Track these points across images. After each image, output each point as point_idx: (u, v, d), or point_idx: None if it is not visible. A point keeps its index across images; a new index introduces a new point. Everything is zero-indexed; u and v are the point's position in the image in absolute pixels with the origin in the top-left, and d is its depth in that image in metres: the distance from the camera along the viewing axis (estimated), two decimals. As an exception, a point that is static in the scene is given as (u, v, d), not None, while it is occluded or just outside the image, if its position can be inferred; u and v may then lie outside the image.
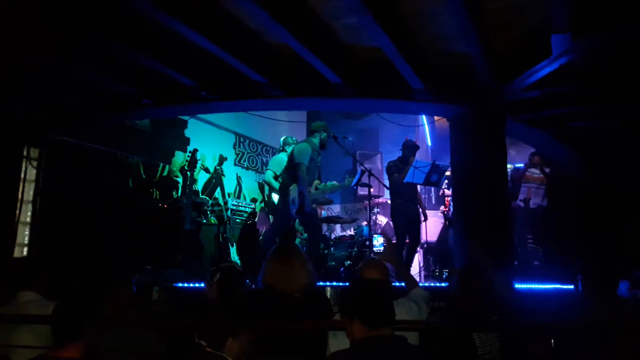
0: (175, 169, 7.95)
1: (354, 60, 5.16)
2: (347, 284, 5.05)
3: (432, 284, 5.62)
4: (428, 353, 2.33)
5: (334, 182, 6.03)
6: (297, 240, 6.66)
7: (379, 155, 9.81)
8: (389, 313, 2.11)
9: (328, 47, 4.80)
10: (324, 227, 7.84)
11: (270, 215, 7.99)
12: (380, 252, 6.36)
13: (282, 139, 7.04)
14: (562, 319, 3.10)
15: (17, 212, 5.56)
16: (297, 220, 6.33)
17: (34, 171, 5.86)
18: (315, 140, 5.79)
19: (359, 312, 2.08)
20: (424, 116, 8.70)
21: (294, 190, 5.56)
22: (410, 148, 6.52)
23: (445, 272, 6.59)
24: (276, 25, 4.17)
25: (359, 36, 4.67)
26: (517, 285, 4.99)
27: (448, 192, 7.72)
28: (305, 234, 6.63)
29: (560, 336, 2.74)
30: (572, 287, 5.13)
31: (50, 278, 3.23)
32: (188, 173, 6.69)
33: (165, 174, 7.85)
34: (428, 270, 7.49)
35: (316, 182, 5.81)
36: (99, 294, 2.51)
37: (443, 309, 3.82)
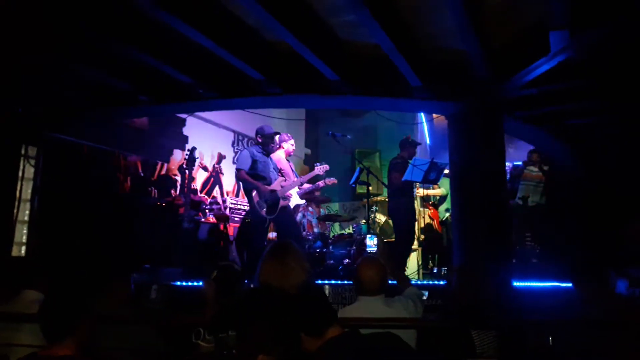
0: (173, 167, 7.94)
1: (351, 57, 5.15)
2: (344, 282, 5.05)
3: (431, 282, 5.62)
4: (385, 337, 2.32)
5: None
6: None
7: (378, 153, 9.82)
8: (327, 314, 2.12)
9: (326, 45, 4.78)
10: (323, 225, 7.84)
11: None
12: (373, 252, 6.36)
13: None
14: (560, 316, 3.10)
15: (15, 210, 5.55)
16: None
17: (32, 169, 5.85)
18: (258, 145, 5.90)
19: (301, 329, 2.10)
20: (422, 114, 8.69)
21: (255, 195, 5.65)
22: (411, 145, 6.53)
23: (444, 269, 6.59)
24: (274, 22, 4.15)
25: (357, 33, 4.66)
26: (515, 284, 5.00)
27: (424, 191, 7.67)
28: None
29: (557, 333, 2.74)
30: (570, 285, 5.13)
31: (53, 277, 3.22)
32: (186, 171, 6.69)
33: (163, 172, 7.85)
34: (426, 268, 7.49)
35: (280, 179, 5.88)
36: (89, 290, 2.50)
37: (441, 307, 3.83)
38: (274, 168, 5.92)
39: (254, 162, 5.74)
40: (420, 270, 6.72)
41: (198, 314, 3.10)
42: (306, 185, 6.44)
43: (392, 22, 4.28)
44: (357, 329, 2.15)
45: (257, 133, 5.92)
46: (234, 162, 9.28)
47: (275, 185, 5.73)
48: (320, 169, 6.18)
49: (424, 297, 4.44)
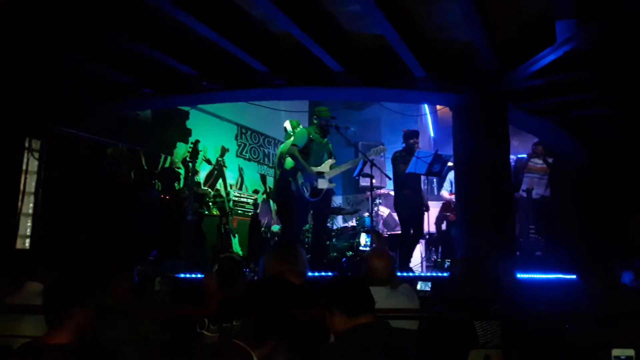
0: (177, 160, 7.94)
1: (356, 48, 5.13)
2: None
3: (434, 274, 5.61)
4: (411, 334, 2.33)
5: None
6: (308, 226, 6.60)
7: (381, 145, 9.77)
8: (367, 301, 2.14)
9: (330, 36, 4.76)
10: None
11: (273, 204, 7.99)
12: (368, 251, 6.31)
13: (285, 125, 6.86)
14: (564, 308, 3.10)
15: (19, 203, 5.56)
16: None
17: (36, 162, 5.86)
18: (315, 125, 5.79)
19: (337, 304, 2.11)
20: (426, 106, 8.66)
21: (300, 176, 5.56)
22: (411, 135, 6.50)
23: (447, 262, 6.58)
24: (278, 13, 4.13)
25: (362, 24, 4.64)
26: (519, 275, 4.99)
27: (447, 195, 7.55)
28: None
29: (561, 325, 2.74)
30: (574, 277, 5.12)
31: (57, 269, 3.22)
32: (190, 164, 6.68)
33: (167, 165, 7.85)
34: (430, 260, 7.48)
35: (330, 161, 5.78)
36: (93, 281, 2.50)
37: (444, 298, 3.82)
38: (327, 152, 5.81)
39: (310, 141, 5.62)
40: (424, 263, 6.72)
41: (202, 306, 3.11)
42: None
43: (396, 12, 4.25)
44: (388, 321, 2.16)
45: (314, 114, 5.82)
46: (237, 155, 9.28)
47: (323, 168, 5.65)
48: (376, 150, 5.95)
49: (428, 289, 4.45)
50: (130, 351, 2.75)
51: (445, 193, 7.41)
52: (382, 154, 6.06)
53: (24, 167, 5.70)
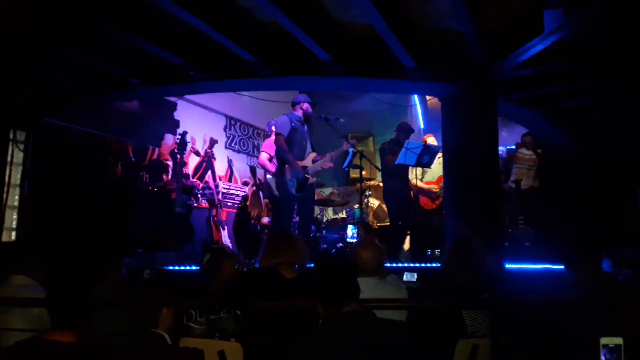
0: (164, 152, 7.87)
1: (345, 38, 5.09)
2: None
3: (422, 264, 5.63)
4: (394, 324, 2.34)
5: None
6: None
7: (371, 137, 9.78)
8: (349, 292, 2.11)
9: (318, 25, 4.72)
10: (315, 210, 7.82)
11: (263, 198, 7.97)
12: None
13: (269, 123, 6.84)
14: (551, 296, 3.12)
15: (5, 195, 5.49)
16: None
17: (21, 154, 5.78)
18: (297, 113, 5.70)
19: (317, 296, 2.10)
20: (416, 96, 8.66)
21: (288, 171, 5.50)
22: (406, 131, 6.50)
23: (437, 252, 6.61)
24: (266, 2, 4.09)
25: (351, 13, 4.60)
26: (508, 266, 5.02)
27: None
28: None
29: (549, 314, 2.76)
30: (562, 267, 5.16)
31: (43, 262, 3.19)
32: (178, 156, 6.63)
33: (154, 157, 7.78)
34: (418, 250, 7.50)
35: (312, 154, 5.72)
36: (92, 279, 2.48)
37: (433, 287, 3.83)
38: (308, 139, 5.72)
39: (292, 130, 5.51)
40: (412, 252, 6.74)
41: (191, 297, 3.09)
42: None
43: (385, 1, 4.22)
44: (372, 310, 2.16)
45: (294, 103, 5.71)
46: (226, 147, 9.22)
47: (306, 161, 5.57)
48: (347, 144, 5.89)
49: (414, 279, 4.48)
50: (121, 343, 2.74)
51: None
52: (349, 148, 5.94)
53: (9, 158, 5.61)
